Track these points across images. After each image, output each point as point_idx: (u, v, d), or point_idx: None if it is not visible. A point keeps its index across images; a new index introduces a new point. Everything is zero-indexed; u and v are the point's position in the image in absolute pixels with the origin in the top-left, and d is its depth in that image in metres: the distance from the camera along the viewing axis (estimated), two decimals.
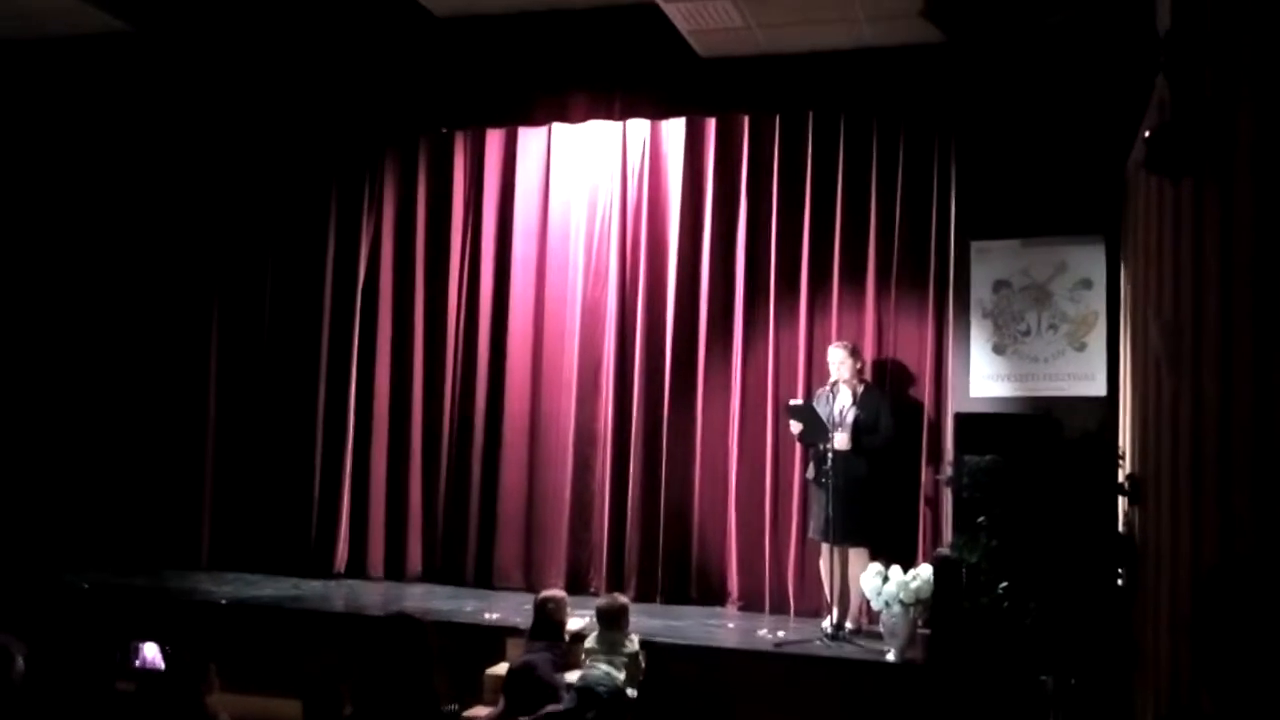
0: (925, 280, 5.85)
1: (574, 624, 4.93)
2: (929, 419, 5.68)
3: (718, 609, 6.06)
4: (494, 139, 6.87)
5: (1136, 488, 3.68)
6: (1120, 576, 3.87)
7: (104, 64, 6.74)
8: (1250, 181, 1.93)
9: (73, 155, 7.19)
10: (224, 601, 5.73)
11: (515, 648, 5.00)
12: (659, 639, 4.99)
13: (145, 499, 6.97)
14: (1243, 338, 1.98)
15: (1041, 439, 4.16)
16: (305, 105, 6.79)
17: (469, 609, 5.78)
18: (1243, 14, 2.11)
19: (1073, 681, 3.79)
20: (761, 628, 5.49)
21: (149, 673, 3.55)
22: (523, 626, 5.03)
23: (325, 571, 6.64)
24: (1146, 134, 2.51)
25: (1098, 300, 4.86)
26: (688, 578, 6.26)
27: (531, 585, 6.41)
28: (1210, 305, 2.37)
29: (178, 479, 6.97)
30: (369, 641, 2.32)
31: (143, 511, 6.95)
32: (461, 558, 6.66)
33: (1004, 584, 3.86)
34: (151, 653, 3.69)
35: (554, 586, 6.07)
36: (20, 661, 2.54)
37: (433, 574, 6.68)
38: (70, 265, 7.21)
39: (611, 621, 4.77)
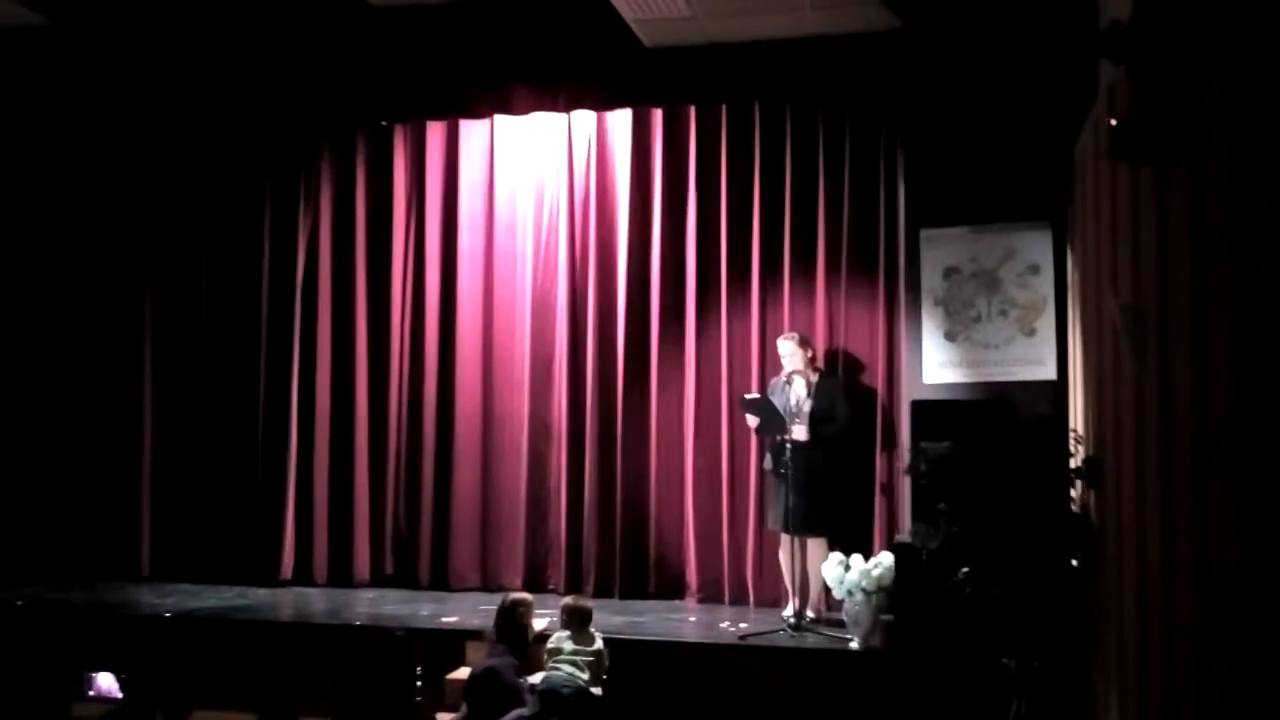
0: (875, 269, 5.89)
1: (535, 625, 4.85)
2: (882, 407, 5.73)
3: (677, 603, 6.04)
4: (435, 131, 6.72)
5: (1095, 471, 3.75)
6: (1077, 559, 3.94)
7: (22, 59, 6.40)
8: (1228, 168, 1.95)
9: None
10: (168, 615, 5.51)
11: (475, 651, 4.91)
12: (622, 636, 4.94)
13: (80, 508, 6.70)
14: (1220, 324, 2.00)
15: (997, 424, 4.22)
16: (237, 98, 6.56)
17: (425, 613, 5.65)
18: (1209, 2, 2.13)
19: (1035, 664, 3.85)
20: (723, 620, 5.49)
21: (110, 701, 3.39)
22: (482, 629, 4.94)
23: (271, 579, 6.44)
24: (1112, 122, 2.52)
25: (1046, 285, 4.95)
26: (646, 572, 6.22)
27: (488, 585, 6.34)
28: (1179, 291, 2.40)
29: (114, 486, 6.72)
30: (351, 656, 2.22)
31: (78, 521, 6.69)
32: (415, 559, 6.53)
33: (965, 569, 3.90)
34: (107, 682, 3.52)
35: (511, 585, 6.02)
36: None
37: (381, 578, 6.53)
38: None
39: (575, 621, 4.71)
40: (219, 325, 6.80)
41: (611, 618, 5.33)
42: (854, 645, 4.71)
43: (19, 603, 5.62)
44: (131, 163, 6.89)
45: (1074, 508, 4.06)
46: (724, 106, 6.22)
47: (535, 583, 6.17)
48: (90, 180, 6.92)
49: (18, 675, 2.92)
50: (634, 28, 5.77)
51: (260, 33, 6.28)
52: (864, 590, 4.60)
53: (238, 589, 6.25)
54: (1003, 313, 4.98)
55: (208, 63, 6.42)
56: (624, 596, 6.09)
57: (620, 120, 6.45)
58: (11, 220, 6.91)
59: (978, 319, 5.02)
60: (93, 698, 3.45)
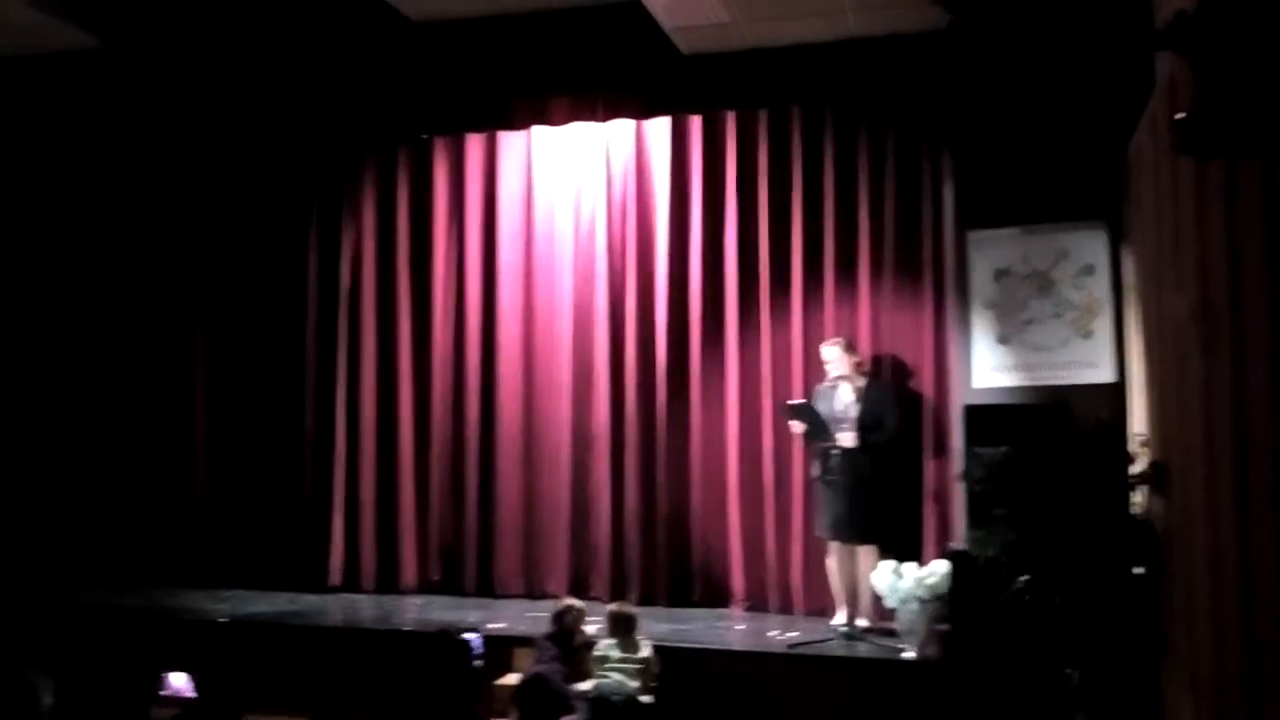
0: (920, 272, 5.80)
1: (587, 629, 4.84)
2: (931, 412, 5.62)
3: (722, 610, 5.98)
4: (474, 144, 6.76)
5: (1161, 476, 3.64)
6: (1140, 566, 3.83)
7: (74, 82, 6.56)
8: None
9: (47, 177, 7.04)
10: (224, 620, 5.59)
11: (523, 658, 4.91)
12: (669, 644, 4.90)
13: (136, 517, 6.85)
14: None
15: (1053, 429, 4.11)
16: (280, 116, 6.66)
17: (471, 619, 5.64)
18: None
19: (1100, 675, 3.74)
20: (771, 629, 5.41)
21: (183, 701, 3.44)
22: (529, 635, 4.94)
23: (320, 585, 6.52)
24: (1177, 116, 2.44)
25: (1101, 286, 4.83)
26: (690, 579, 6.18)
27: (532, 592, 6.35)
28: (1252, 288, 2.32)
29: (168, 496, 6.85)
30: (408, 660, 2.21)
31: (134, 529, 6.83)
32: (460, 567, 6.56)
33: (1024, 577, 3.81)
34: (179, 681, 3.57)
35: (555, 593, 6.02)
36: (48, 697, 2.44)
37: (428, 585, 6.57)
38: (53, 286, 7.08)
39: (622, 628, 4.69)
40: (267, 340, 6.91)
41: (657, 625, 5.29)
42: (909, 655, 4.62)
43: (73, 607, 5.74)
44: (180, 182, 7.03)
45: (1137, 514, 3.95)
46: (763, 112, 6.18)
47: (579, 590, 6.14)
48: (140, 199, 7.06)
49: (97, 679, 3.01)
50: (672, 36, 5.76)
51: (302, 52, 6.37)
52: (918, 599, 4.51)
53: (288, 595, 6.35)
54: (1057, 315, 4.87)
55: (252, 83, 6.52)
56: (668, 604, 6.05)
57: (658, 128, 6.44)
58: (72, 246, 7.08)
59: (1031, 321, 4.91)
60: (165, 698, 3.51)
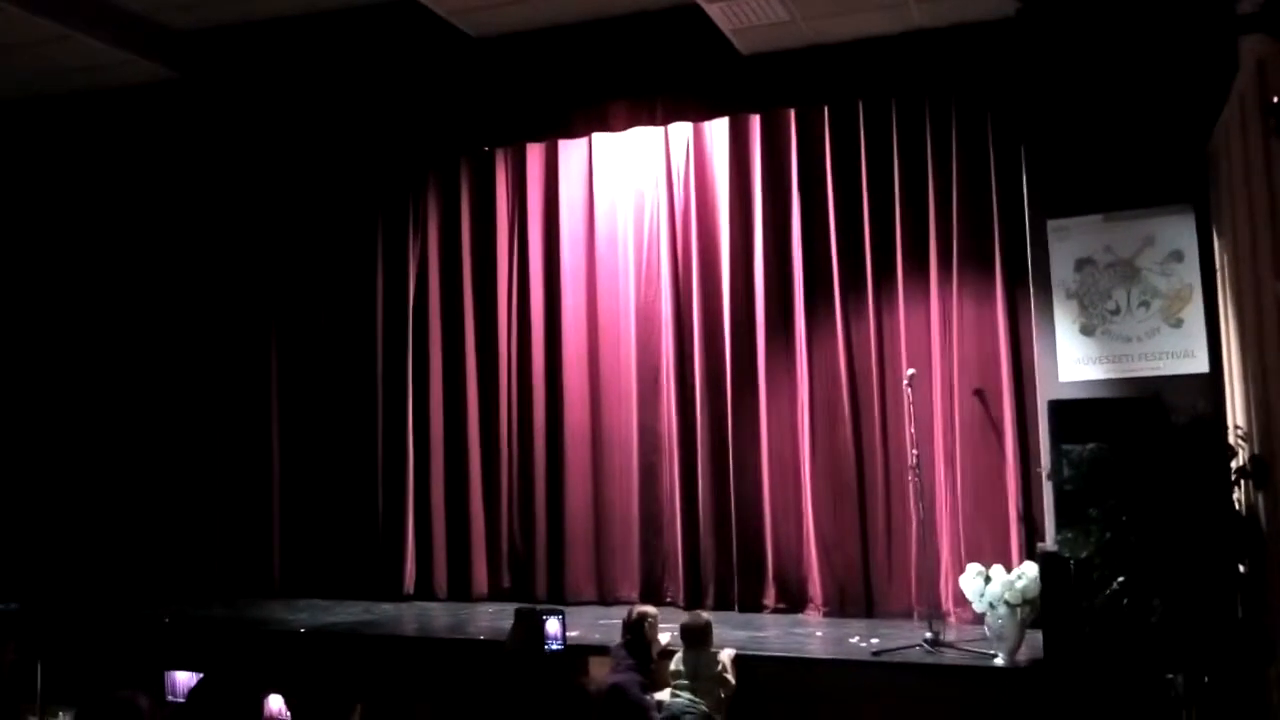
0: (993, 265, 5.64)
1: (660, 638, 4.79)
2: (1011, 409, 5.45)
3: (799, 616, 5.87)
4: (535, 152, 6.81)
5: (1263, 470, 3.46)
6: (1245, 564, 3.64)
7: (151, 112, 6.80)
8: None
9: (128, 204, 7.29)
10: (303, 630, 5.69)
11: (599, 666, 4.87)
12: (745, 651, 4.82)
13: (216, 530, 7.05)
14: None
15: (1146, 422, 3.93)
16: (347, 134, 6.78)
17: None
18: None
19: (1205, 678, 3.56)
20: (851, 635, 5.29)
21: None
22: (603, 644, 4.91)
23: (394, 593, 6.62)
24: (1275, 99, 2.32)
25: (1191, 273, 4.63)
26: (765, 584, 6.08)
27: (604, 599, 6.34)
28: None
29: (247, 509, 7.04)
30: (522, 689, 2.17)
31: (214, 542, 7.04)
32: (531, 574, 6.58)
33: (1120, 579, 3.65)
34: (276, 704, 3.63)
35: (628, 599, 6.00)
36: (147, 716, 2.49)
37: (499, 592, 6.59)
38: (137, 312, 7.33)
39: (695, 640, 4.61)
40: (338, 354, 7.06)
41: (733, 632, 5.22)
42: (999, 661, 4.47)
43: (165, 620, 5.92)
44: (253, 205, 7.22)
45: (1239, 510, 3.76)
46: (824, 109, 6.08)
47: (652, 595, 6.10)
48: (215, 222, 7.27)
49: (199, 696, 3.08)
50: (730, 37, 5.71)
51: (367, 72, 6.48)
52: (1007, 603, 4.36)
53: (363, 604, 6.44)
54: (1144, 304, 4.68)
55: (320, 104, 6.65)
56: (744, 610, 5.96)
57: (718, 128, 6.39)
58: (152, 269, 7.32)
59: (1116, 311, 4.72)
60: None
